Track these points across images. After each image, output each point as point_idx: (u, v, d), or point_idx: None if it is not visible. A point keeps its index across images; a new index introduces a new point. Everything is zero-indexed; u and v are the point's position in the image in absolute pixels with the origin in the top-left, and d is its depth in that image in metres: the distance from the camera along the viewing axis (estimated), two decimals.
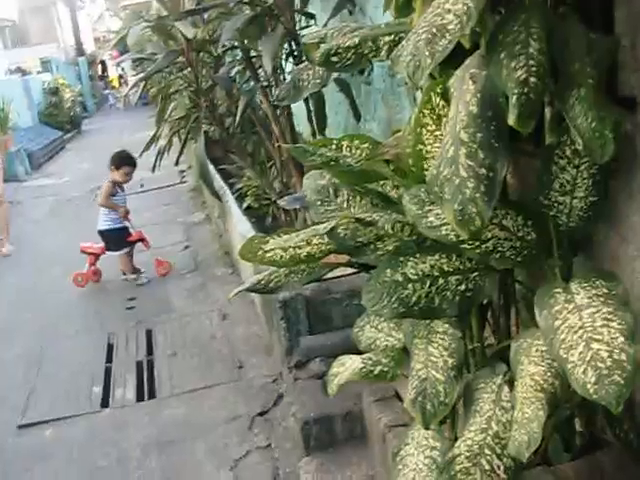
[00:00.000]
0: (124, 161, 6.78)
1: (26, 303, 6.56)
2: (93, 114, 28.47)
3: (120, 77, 34.52)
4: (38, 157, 16.26)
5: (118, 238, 6.73)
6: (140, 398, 4.51)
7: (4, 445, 4.22)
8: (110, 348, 5.32)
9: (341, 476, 3.18)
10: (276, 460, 3.61)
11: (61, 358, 5.30)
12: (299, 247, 2.65)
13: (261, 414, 4.03)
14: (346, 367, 2.59)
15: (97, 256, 6.82)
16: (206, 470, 3.65)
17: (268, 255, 2.71)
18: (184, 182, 11.46)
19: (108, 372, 4.92)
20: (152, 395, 4.52)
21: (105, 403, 4.50)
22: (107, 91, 34.63)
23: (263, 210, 6.02)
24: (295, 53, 4.60)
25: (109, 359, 5.13)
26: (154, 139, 6.25)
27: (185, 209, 9.66)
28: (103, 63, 36.75)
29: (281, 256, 2.67)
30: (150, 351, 5.17)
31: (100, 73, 36.02)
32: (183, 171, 11.56)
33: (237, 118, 5.24)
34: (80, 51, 32.07)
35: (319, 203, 2.72)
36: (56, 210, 11.11)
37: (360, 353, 2.61)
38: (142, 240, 6.87)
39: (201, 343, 5.11)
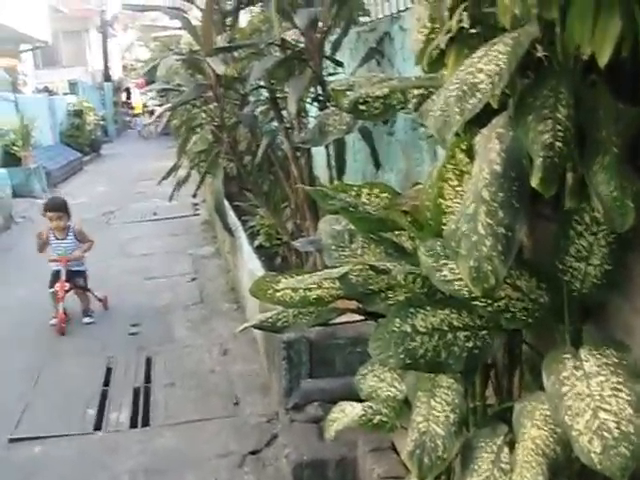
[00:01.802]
0: (47, 207, 6.73)
1: (30, 318, 6.54)
2: (113, 139, 28.74)
3: (144, 105, 34.83)
4: (56, 176, 16.41)
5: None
6: (134, 424, 4.48)
7: None
8: (109, 371, 5.30)
9: None
10: None
11: (59, 376, 5.28)
12: (310, 289, 2.66)
13: (253, 453, 3.98)
14: (346, 413, 2.59)
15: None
16: None
17: (278, 294, 2.72)
18: (197, 214, 11.51)
19: (104, 395, 4.89)
20: (146, 423, 4.48)
21: (98, 426, 4.47)
22: (129, 118, 34.99)
23: (274, 250, 6.04)
24: (320, 98, 4.65)
25: (106, 382, 5.12)
26: (174, 169, 6.30)
27: (195, 241, 9.68)
28: (128, 90, 37.17)
29: (291, 297, 2.67)
30: (148, 379, 5.14)
31: (124, 100, 36.40)
32: (196, 204, 11.62)
33: (258, 156, 5.28)
34: (107, 76, 32.41)
35: (334, 248, 2.73)
36: None
37: (360, 401, 2.61)
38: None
39: (200, 376, 5.09)
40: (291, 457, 3.45)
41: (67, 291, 6.42)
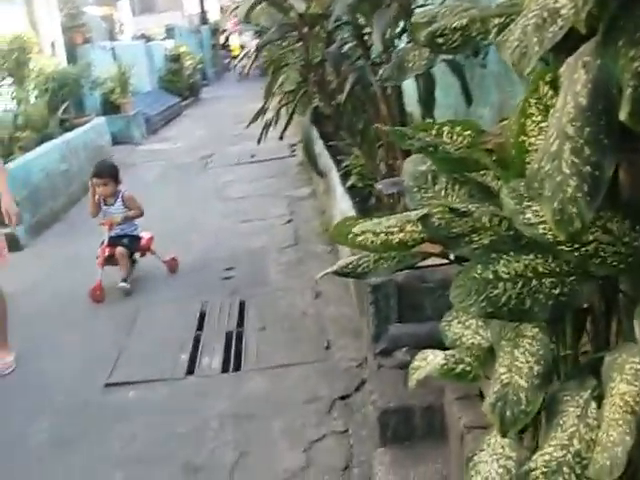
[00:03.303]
0: (93, 173, 6.47)
1: None
2: (213, 82, 28.85)
3: (241, 47, 34.80)
4: (155, 122, 16.57)
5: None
6: (225, 369, 4.52)
7: (89, 401, 4.32)
8: (202, 316, 5.36)
9: (415, 472, 3.07)
10: (351, 447, 3.54)
11: (154, 322, 5.39)
12: (391, 233, 2.55)
13: (342, 398, 3.96)
14: (428, 362, 2.49)
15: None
16: (279, 449, 3.62)
17: (359, 239, 2.63)
18: (293, 155, 11.46)
19: (197, 340, 4.96)
20: (237, 367, 4.52)
21: (190, 370, 4.53)
22: (227, 60, 35.06)
23: (368, 190, 5.92)
24: (403, 33, 4.46)
25: (200, 327, 5.18)
26: (262, 111, 6.22)
27: (292, 183, 9.65)
28: (226, 32, 37.20)
29: (372, 241, 2.57)
30: (241, 323, 5.17)
31: (223, 42, 36.46)
32: (294, 144, 11.55)
33: (343, 95, 5.14)
34: (204, 20, 32.48)
35: (416, 189, 2.62)
36: (166, 175, 11.31)
37: (446, 349, 2.51)
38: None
39: (291, 319, 5.08)
40: (378, 404, 3.38)
41: (109, 257, 6.20)
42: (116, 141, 13.43)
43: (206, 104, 22.06)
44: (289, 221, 7.70)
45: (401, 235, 2.54)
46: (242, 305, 5.48)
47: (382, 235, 2.57)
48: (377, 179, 5.61)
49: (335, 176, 6.15)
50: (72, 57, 14.32)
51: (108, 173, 6.39)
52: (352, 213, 4.87)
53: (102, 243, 6.24)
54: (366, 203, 5.72)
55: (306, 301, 5.36)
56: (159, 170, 11.75)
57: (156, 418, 4.05)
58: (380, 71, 4.56)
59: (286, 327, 4.96)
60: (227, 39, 37.04)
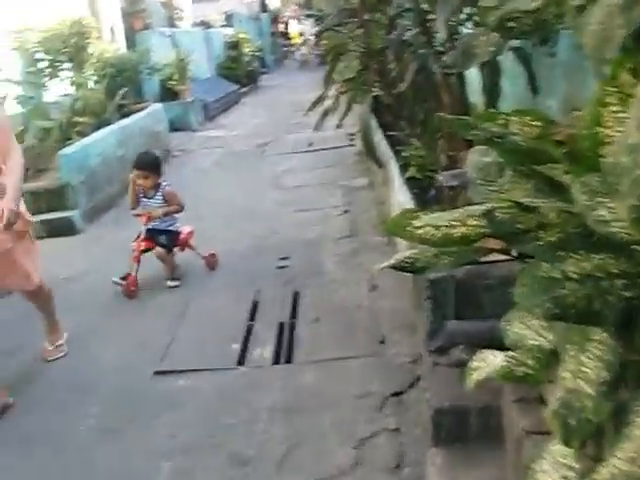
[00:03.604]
0: (134, 164, 6.18)
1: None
2: (271, 70, 28.90)
3: (300, 35, 34.83)
4: (213, 109, 16.64)
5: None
6: (276, 361, 4.45)
7: (138, 388, 4.30)
8: (255, 305, 5.30)
9: (468, 475, 2.96)
10: (403, 446, 3.43)
11: (205, 310, 5.36)
12: (453, 226, 2.44)
13: (395, 395, 3.85)
14: (487, 363, 2.38)
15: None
16: (329, 445, 3.52)
17: (418, 232, 2.53)
18: (351, 145, 11.35)
19: (249, 330, 4.90)
20: (289, 359, 4.45)
21: (241, 361, 4.47)
22: (287, 48, 35.13)
23: (427, 182, 5.79)
24: (475, 18, 4.31)
25: (252, 317, 5.12)
26: (321, 99, 6.14)
27: (349, 173, 9.54)
28: (285, 20, 37.24)
29: (432, 234, 2.46)
30: (294, 313, 5.10)
31: (282, 30, 36.51)
32: (352, 134, 11.43)
33: (404, 83, 5.02)
34: (263, 7, 32.54)
35: (480, 182, 2.51)
36: (223, 162, 11.33)
37: (506, 349, 2.39)
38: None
39: (346, 312, 4.98)
40: (432, 402, 3.27)
41: (144, 251, 5.99)
42: (173, 127, 13.47)
43: (264, 92, 22.07)
44: (345, 212, 7.60)
45: (463, 229, 2.44)
46: (296, 295, 5.40)
47: (443, 228, 2.47)
48: (437, 170, 5.49)
49: (394, 167, 6.03)
50: (131, 43, 14.43)
51: (149, 165, 6.14)
52: (410, 205, 4.76)
53: (138, 236, 6.04)
54: (425, 195, 5.59)
55: (361, 293, 5.26)
56: (216, 157, 11.77)
57: (205, 408, 3.99)
58: (443, 58, 4.46)
59: (340, 320, 4.86)
60: (286, 26, 37.13)
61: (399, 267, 2.70)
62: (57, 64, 10.52)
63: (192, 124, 14.81)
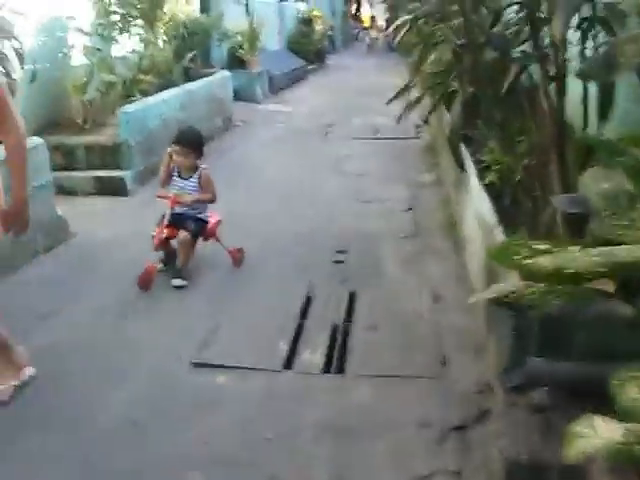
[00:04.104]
0: (175, 138, 5.55)
1: (232, 227, 5.98)
2: (340, 50, 28.64)
3: (372, 18, 34.40)
4: (279, 82, 16.46)
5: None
6: (327, 368, 4.03)
7: (173, 380, 3.94)
8: (307, 302, 4.91)
9: None
10: None
11: (252, 300, 4.97)
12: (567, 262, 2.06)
13: (457, 429, 3.39)
14: (597, 432, 1.96)
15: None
16: (380, 478, 3.10)
17: (526, 262, 2.14)
18: (418, 137, 10.91)
19: (300, 328, 4.50)
20: (340, 368, 4.02)
21: (288, 363, 4.07)
22: (357, 30, 34.79)
23: (502, 187, 5.34)
24: (593, 22, 3.84)
25: (303, 314, 4.72)
26: (405, 90, 5.69)
27: (415, 167, 9.13)
28: (358, 2, 36.81)
29: (545, 267, 2.07)
30: (349, 316, 4.69)
31: (354, 12, 36.12)
32: (419, 126, 10.98)
33: (505, 85, 4.56)
34: None
35: (607, 212, 2.11)
36: (284, 138, 11.06)
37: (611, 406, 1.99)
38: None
39: (405, 323, 4.54)
40: (506, 452, 2.84)
41: (167, 238, 5.36)
42: (237, 97, 13.20)
43: (331, 72, 21.75)
44: (409, 208, 7.17)
45: (578, 265, 2.04)
46: (352, 296, 4.99)
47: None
48: (516, 178, 5.04)
49: (471, 169, 5.60)
50: (205, 7, 14.15)
51: (193, 143, 5.50)
52: (492, 216, 4.33)
53: (161, 220, 5.32)
54: (500, 202, 5.15)
55: (423, 304, 4.82)
56: (277, 132, 11.49)
57: (245, 415, 3.57)
58: (554, 62, 4.00)
59: (399, 331, 4.43)
60: (358, 8, 36.73)
61: (498, 302, 2.32)
62: (130, 19, 10.25)
63: (257, 95, 14.55)
